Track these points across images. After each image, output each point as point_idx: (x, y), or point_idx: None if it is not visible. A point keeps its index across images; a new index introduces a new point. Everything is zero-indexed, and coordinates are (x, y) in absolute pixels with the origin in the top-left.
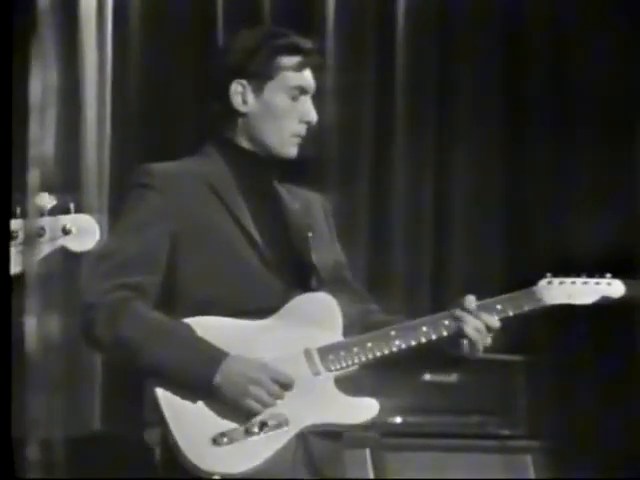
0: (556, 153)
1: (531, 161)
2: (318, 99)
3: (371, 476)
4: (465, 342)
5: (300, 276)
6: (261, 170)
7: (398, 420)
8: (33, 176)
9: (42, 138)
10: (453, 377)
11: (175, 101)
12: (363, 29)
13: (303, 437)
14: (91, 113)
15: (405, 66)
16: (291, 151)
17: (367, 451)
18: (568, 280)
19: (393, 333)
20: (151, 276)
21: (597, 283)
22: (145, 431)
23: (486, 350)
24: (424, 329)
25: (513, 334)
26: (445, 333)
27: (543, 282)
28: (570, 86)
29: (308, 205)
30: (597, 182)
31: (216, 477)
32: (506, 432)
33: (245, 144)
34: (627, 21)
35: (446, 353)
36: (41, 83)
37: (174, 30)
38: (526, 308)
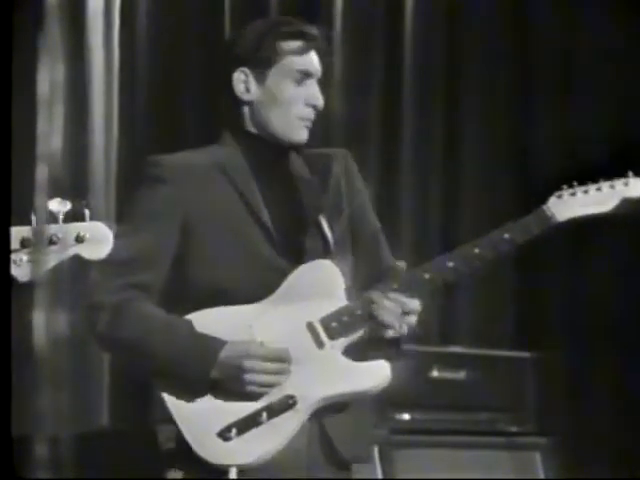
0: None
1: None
2: (326, 85)
3: (379, 473)
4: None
5: (311, 256)
6: (275, 155)
7: (406, 417)
8: (41, 172)
9: (49, 134)
10: (462, 374)
11: (183, 97)
12: (372, 15)
13: (316, 416)
14: (98, 109)
15: (414, 49)
16: (300, 135)
17: (375, 448)
18: (580, 190)
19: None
20: (159, 273)
21: (612, 186)
22: (158, 428)
23: (494, 346)
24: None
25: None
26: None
27: (553, 198)
28: (578, 68)
29: (327, 171)
30: None
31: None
32: (515, 429)
33: (254, 131)
34: None
35: (382, 337)
36: (48, 79)
37: (181, 26)
38: (536, 230)
